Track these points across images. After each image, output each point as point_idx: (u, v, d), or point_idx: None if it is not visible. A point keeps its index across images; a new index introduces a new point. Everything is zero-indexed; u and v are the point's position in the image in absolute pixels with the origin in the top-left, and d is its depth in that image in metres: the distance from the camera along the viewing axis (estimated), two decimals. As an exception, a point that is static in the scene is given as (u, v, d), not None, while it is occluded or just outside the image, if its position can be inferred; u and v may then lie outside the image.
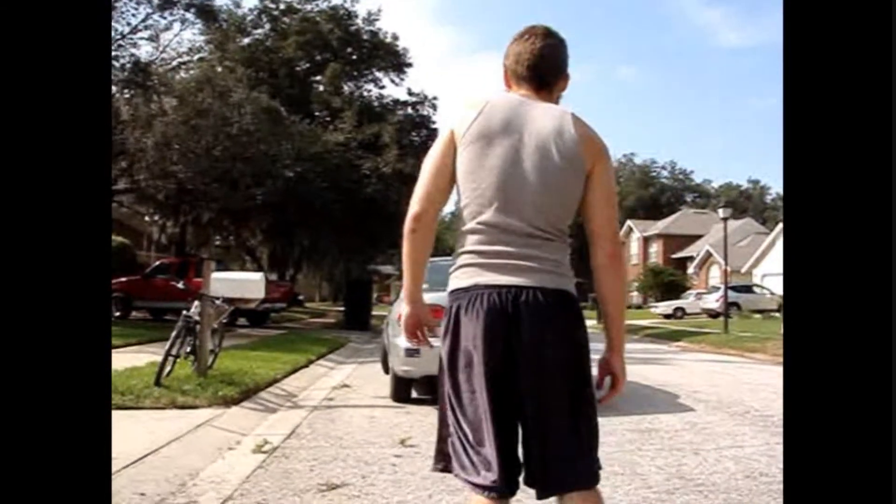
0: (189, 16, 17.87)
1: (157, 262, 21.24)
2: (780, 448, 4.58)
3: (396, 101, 27.89)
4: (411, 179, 2.07)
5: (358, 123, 22.91)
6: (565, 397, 1.90)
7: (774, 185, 77.14)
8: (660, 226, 52.49)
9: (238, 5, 25.53)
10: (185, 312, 6.82)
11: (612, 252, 1.98)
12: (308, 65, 27.16)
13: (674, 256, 48.52)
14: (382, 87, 28.19)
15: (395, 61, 27.58)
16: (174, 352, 6.48)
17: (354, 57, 27.43)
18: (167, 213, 22.32)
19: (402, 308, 2.12)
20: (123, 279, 19.27)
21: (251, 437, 4.95)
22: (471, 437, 1.91)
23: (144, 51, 18.08)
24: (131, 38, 16.87)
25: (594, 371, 2.07)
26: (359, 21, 27.27)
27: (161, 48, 18.39)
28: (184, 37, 21.83)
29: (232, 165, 17.59)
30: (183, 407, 5.62)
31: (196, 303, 6.87)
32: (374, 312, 25.44)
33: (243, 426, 5.36)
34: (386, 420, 5.89)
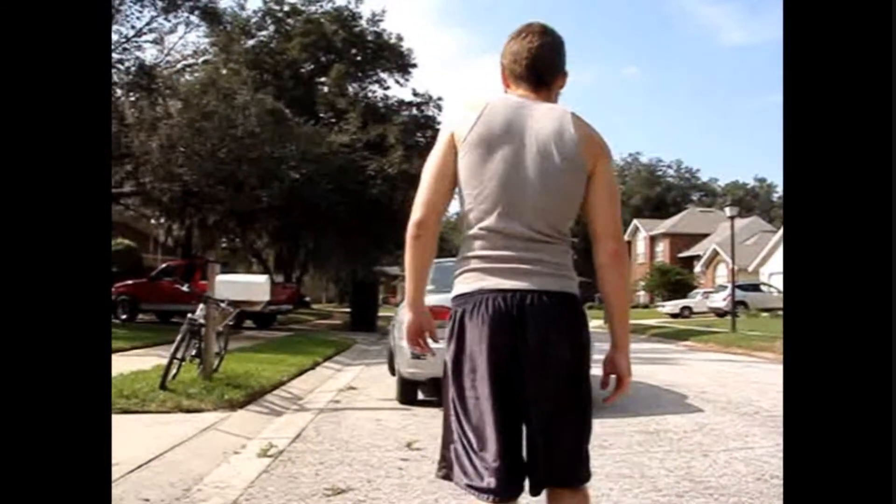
0: (193, 18, 17.95)
1: (164, 265, 21.30)
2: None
3: (401, 102, 27.86)
4: (417, 180, 2.05)
5: (363, 124, 22.89)
6: (567, 397, 1.93)
7: (781, 183, 76.72)
8: (666, 225, 52.34)
9: (242, 7, 25.56)
10: (189, 315, 6.80)
11: (614, 251, 1.98)
12: (312, 66, 27.18)
13: (680, 255, 48.37)
14: (387, 88, 28.19)
15: (400, 62, 27.55)
16: (179, 355, 6.47)
17: (359, 58, 27.42)
18: (173, 215, 22.37)
19: (404, 315, 2.11)
20: (130, 282, 19.34)
21: (257, 441, 4.92)
22: (474, 442, 1.91)
23: (149, 54, 18.19)
24: (136, 42, 16.97)
25: (598, 370, 2.08)
26: (363, 22, 27.26)
27: (165, 51, 18.47)
28: (188, 39, 22.00)
29: (237, 167, 17.60)
30: (188, 410, 5.60)
31: (201, 306, 6.86)
32: (380, 313, 25.47)
33: (249, 430, 5.34)
34: (392, 423, 5.86)
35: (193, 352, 6.79)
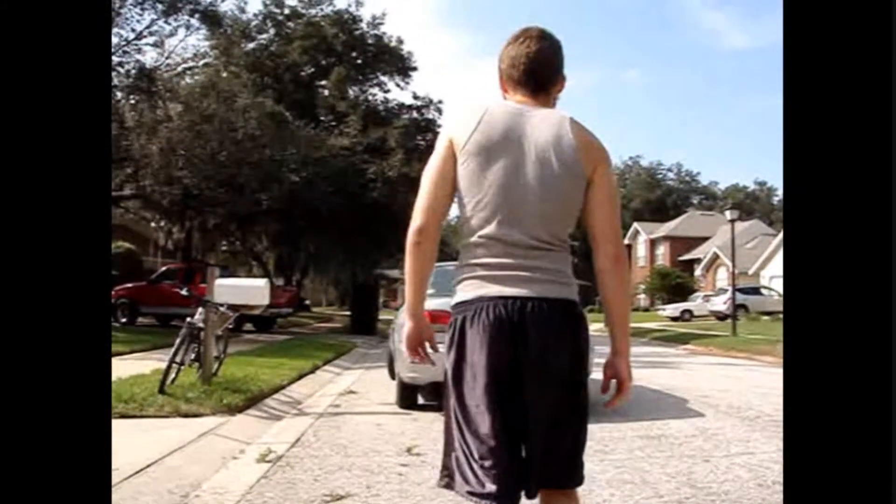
0: (194, 21, 17.94)
1: (164, 268, 21.28)
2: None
3: (401, 105, 27.89)
4: (417, 183, 2.04)
5: (363, 127, 22.91)
6: (566, 404, 1.94)
7: (781, 186, 76.80)
8: (667, 228, 52.33)
9: (243, 10, 25.63)
10: (189, 319, 6.78)
11: (614, 255, 1.98)
12: (313, 69, 27.20)
13: (681, 258, 48.35)
14: (387, 91, 28.24)
15: (400, 65, 27.59)
16: (178, 359, 6.44)
17: (359, 61, 27.46)
18: (173, 218, 22.39)
19: (404, 319, 2.11)
20: (130, 285, 19.32)
21: (255, 446, 4.89)
22: (475, 449, 1.90)
23: (149, 57, 18.19)
24: (136, 45, 16.97)
25: (599, 375, 2.08)
26: (363, 25, 27.31)
27: (166, 54, 18.46)
28: (189, 42, 22.04)
29: (237, 171, 17.61)
30: (187, 415, 5.57)
31: (200, 309, 6.83)
32: (380, 317, 25.45)
33: (248, 434, 5.31)
34: (392, 427, 5.83)
35: (192, 356, 6.76)
